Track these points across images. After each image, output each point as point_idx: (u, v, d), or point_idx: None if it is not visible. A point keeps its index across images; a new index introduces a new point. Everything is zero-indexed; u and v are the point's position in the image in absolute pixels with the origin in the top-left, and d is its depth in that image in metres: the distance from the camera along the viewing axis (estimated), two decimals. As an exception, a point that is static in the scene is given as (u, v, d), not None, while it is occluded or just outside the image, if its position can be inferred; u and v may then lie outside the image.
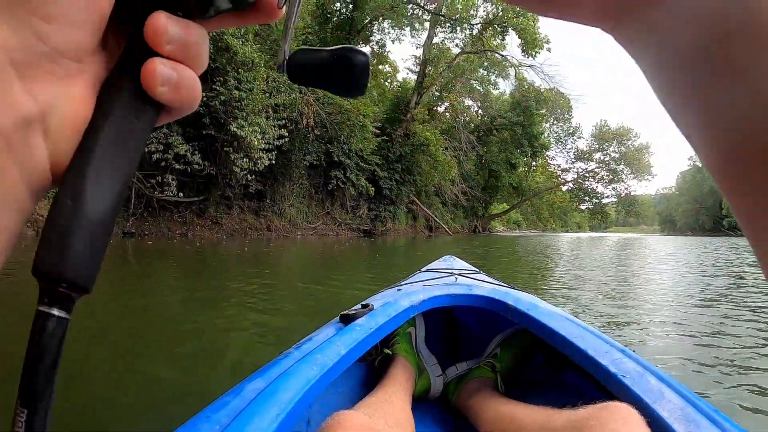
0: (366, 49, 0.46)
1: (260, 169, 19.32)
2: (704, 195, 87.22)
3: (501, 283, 2.49)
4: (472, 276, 2.61)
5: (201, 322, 4.92)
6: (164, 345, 4.12)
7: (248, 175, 19.41)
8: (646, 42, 0.28)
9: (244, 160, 18.59)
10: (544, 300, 2.28)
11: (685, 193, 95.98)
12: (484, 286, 2.24)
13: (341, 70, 0.45)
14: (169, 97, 0.36)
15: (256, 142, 18.43)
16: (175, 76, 0.36)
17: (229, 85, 17.93)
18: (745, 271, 11.96)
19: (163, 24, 0.35)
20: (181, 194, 18.37)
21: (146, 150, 16.39)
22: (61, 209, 0.32)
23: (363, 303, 1.94)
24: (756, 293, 7.95)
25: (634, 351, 1.55)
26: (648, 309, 6.44)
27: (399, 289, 2.25)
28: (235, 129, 17.70)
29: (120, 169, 0.35)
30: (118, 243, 14.72)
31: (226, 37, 17.61)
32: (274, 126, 19.72)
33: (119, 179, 0.34)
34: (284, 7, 0.38)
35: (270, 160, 19.45)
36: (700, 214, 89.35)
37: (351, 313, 1.78)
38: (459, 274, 2.60)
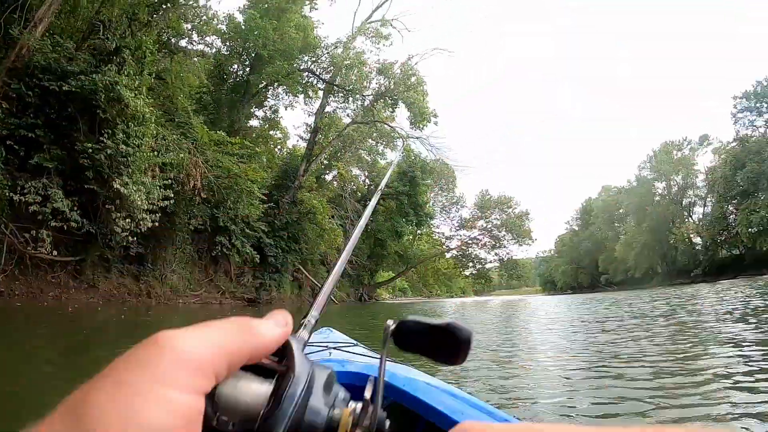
0: (468, 328, 0.53)
1: (142, 230, 18.36)
2: (581, 255, 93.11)
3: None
4: (348, 350, 2.57)
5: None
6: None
7: (129, 237, 18.27)
8: None
9: (126, 220, 17.58)
10: (428, 372, 2.27)
11: (563, 255, 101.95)
12: (358, 360, 2.20)
13: (445, 341, 0.52)
14: None
15: (139, 202, 17.56)
16: None
17: (117, 139, 16.90)
18: (624, 323, 12.52)
19: None
20: (56, 252, 16.51)
21: (23, 200, 15.14)
22: None
23: None
24: (644, 344, 8.28)
25: (524, 419, 1.54)
26: (537, 371, 6.58)
27: None
28: (118, 186, 16.69)
29: None
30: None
31: (119, 87, 16.81)
32: (159, 186, 18.95)
33: None
34: None
35: (153, 222, 18.55)
36: (578, 273, 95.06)
37: None
38: (335, 348, 2.55)
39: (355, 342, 2.86)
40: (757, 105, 58.02)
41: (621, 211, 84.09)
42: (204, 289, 24.62)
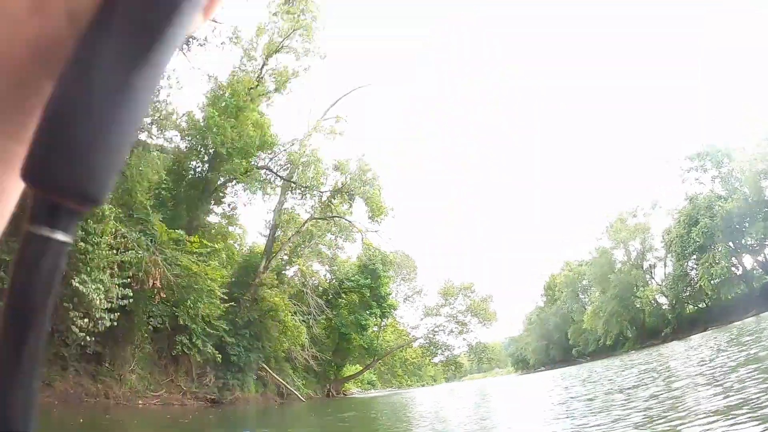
0: None
1: (101, 329, 17.62)
2: (550, 331, 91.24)
3: None
4: None
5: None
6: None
7: (87, 336, 17.44)
8: None
9: (84, 320, 16.89)
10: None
11: (532, 332, 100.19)
12: None
13: None
14: None
15: (98, 301, 16.98)
16: None
17: (76, 235, 16.47)
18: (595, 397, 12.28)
19: None
20: None
21: (-20, 294, 14.46)
22: (66, 86, 0.27)
23: None
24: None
25: None
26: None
27: None
28: (77, 284, 16.19)
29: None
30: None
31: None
32: (118, 284, 18.46)
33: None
34: None
35: (112, 321, 17.87)
36: (549, 349, 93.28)
37: None
38: None
39: None
40: (702, 164, 60.56)
41: (584, 282, 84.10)
42: (165, 389, 23.45)
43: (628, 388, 14.38)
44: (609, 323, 70.19)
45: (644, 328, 68.42)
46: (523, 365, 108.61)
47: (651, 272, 72.55)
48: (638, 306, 67.59)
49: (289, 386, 34.93)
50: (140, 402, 21.05)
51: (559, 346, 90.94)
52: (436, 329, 63.42)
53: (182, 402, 23.78)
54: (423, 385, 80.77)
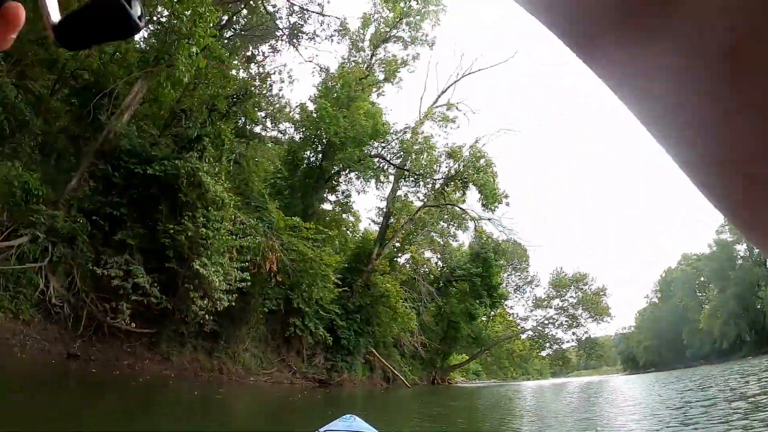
0: None
1: (219, 309, 18.86)
2: (663, 330, 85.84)
3: None
4: None
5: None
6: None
7: (206, 315, 18.73)
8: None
9: (204, 300, 18.16)
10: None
11: (644, 330, 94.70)
12: None
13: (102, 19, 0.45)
14: None
15: (217, 283, 18.17)
16: None
17: (197, 222, 17.84)
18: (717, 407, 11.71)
19: None
20: (133, 324, 17.06)
21: (106, 273, 16.03)
22: None
23: None
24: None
25: None
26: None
27: None
28: (198, 267, 17.43)
29: None
30: (60, 365, 13.94)
31: (200, 173, 17.91)
32: (236, 268, 19.62)
33: None
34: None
35: (230, 302, 19.08)
36: (661, 349, 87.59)
37: None
38: None
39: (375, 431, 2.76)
40: None
41: (702, 279, 78.76)
42: (275, 368, 24.71)
43: (751, 396, 13.57)
44: (727, 325, 64.68)
45: (764, 332, 62.35)
46: (632, 364, 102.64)
47: (775, 270, 65.87)
48: (759, 307, 61.94)
49: (395, 371, 35.56)
50: (252, 379, 22.37)
51: (671, 347, 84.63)
52: (546, 322, 61.50)
53: (291, 381, 24.97)
54: (528, 379, 78.84)
